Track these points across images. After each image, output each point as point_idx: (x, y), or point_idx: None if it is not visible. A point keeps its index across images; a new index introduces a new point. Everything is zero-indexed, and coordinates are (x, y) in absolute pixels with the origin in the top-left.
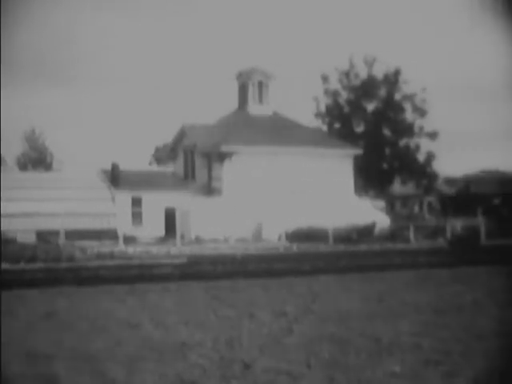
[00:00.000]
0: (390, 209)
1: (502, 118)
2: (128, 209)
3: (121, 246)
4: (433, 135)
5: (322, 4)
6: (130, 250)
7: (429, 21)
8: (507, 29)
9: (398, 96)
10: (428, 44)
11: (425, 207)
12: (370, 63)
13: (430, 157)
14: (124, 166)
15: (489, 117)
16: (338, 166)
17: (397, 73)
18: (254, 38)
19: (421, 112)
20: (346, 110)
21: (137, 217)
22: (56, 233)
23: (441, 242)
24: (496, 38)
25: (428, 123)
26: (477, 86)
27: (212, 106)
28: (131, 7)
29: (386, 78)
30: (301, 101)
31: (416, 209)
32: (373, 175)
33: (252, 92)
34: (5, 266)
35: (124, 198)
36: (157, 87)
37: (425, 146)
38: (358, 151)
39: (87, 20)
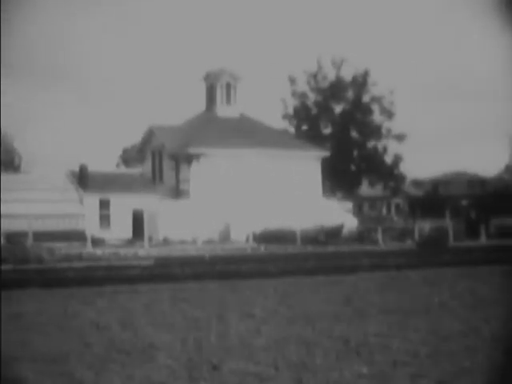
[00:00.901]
0: (358, 210)
1: (470, 120)
2: (96, 211)
3: (89, 248)
4: (400, 137)
5: (291, 5)
6: (98, 251)
7: (393, 21)
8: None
9: (366, 98)
10: (393, 45)
11: (393, 209)
12: (338, 65)
13: (398, 159)
14: (92, 168)
15: (457, 119)
16: (305, 168)
17: (365, 74)
18: (222, 40)
19: (388, 114)
20: (314, 111)
21: (105, 219)
22: (24, 234)
23: (409, 243)
24: (466, 38)
25: (395, 125)
26: (444, 87)
27: (180, 107)
28: (92, 4)
29: (355, 79)
30: (268, 102)
31: (384, 211)
32: (340, 177)
33: (220, 93)
34: None
35: (92, 200)
36: (124, 88)
37: (392, 148)
38: (326, 153)
39: (46, 20)
